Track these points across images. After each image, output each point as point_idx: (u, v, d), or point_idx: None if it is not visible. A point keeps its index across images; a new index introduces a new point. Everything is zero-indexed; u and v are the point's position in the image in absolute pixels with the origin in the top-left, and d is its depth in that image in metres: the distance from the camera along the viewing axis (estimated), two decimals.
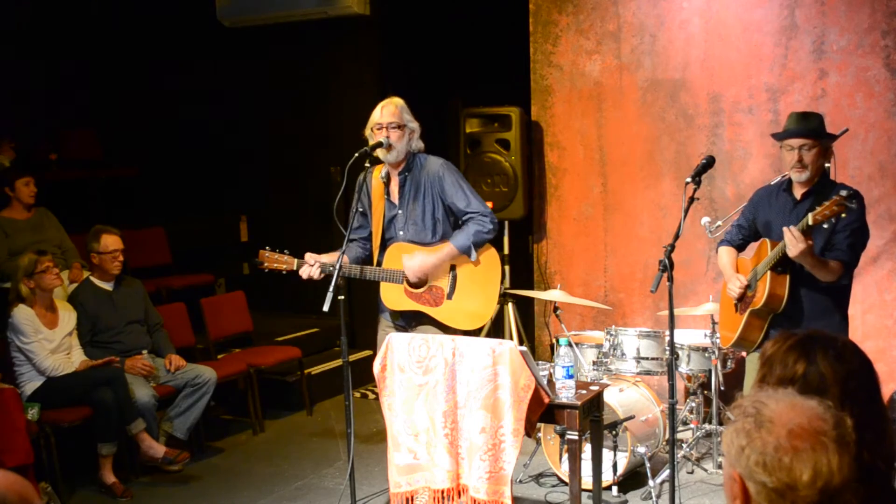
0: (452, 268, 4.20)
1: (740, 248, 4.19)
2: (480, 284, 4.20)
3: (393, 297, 4.27)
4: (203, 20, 7.47)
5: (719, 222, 4.94)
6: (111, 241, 5.33)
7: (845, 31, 5.29)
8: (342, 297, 4.06)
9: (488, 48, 6.75)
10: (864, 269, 5.36)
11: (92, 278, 5.39)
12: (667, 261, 3.60)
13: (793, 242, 3.57)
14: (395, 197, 4.31)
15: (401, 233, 4.28)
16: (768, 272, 3.82)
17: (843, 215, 3.45)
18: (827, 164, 3.96)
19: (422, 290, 4.22)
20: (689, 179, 3.78)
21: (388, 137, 4.16)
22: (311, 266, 4.20)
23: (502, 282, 4.16)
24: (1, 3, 6.93)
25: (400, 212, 4.29)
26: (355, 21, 7.07)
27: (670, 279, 3.63)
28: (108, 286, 5.38)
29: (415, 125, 4.26)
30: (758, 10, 5.53)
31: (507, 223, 6.41)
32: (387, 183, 4.32)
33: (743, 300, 4.03)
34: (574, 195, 6.24)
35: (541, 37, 6.24)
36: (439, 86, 6.95)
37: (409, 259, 4.17)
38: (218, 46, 7.72)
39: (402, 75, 7.11)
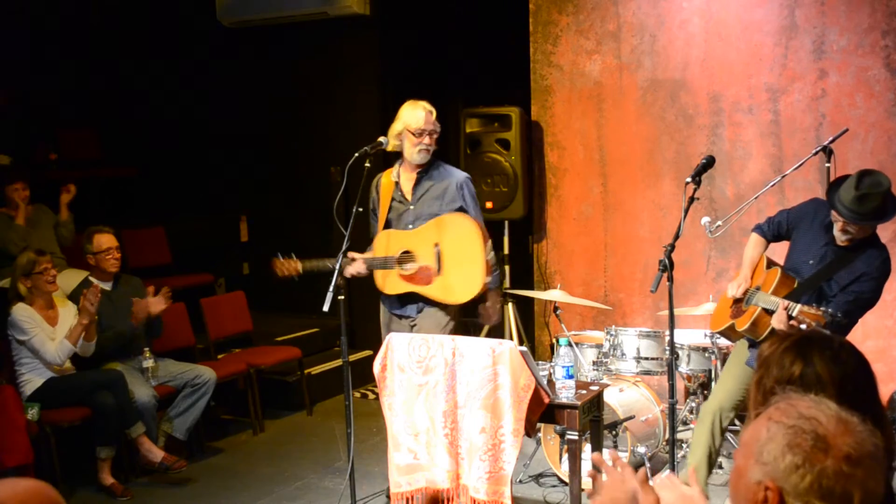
0: (436, 244, 4.28)
1: (770, 241, 4.20)
2: (465, 253, 4.29)
3: (388, 282, 4.41)
4: (203, 20, 7.47)
5: (719, 222, 4.92)
6: (104, 240, 5.33)
7: (845, 31, 5.29)
8: (342, 297, 4.07)
9: (488, 48, 6.75)
10: None
11: (91, 278, 5.39)
12: (667, 261, 3.60)
13: (779, 321, 3.67)
14: (408, 194, 4.43)
15: (410, 226, 4.41)
16: (759, 308, 3.86)
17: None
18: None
19: (412, 270, 4.33)
20: (689, 179, 3.78)
21: (430, 144, 4.36)
22: (356, 261, 4.36)
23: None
24: (1, 3, 6.93)
25: (412, 208, 4.41)
26: (355, 21, 7.07)
27: (670, 279, 3.63)
28: (106, 286, 5.37)
29: (439, 127, 4.45)
30: (758, 10, 5.53)
31: (506, 223, 6.40)
32: (397, 181, 4.47)
33: (735, 305, 4.06)
34: (574, 195, 6.24)
35: (541, 37, 6.24)
36: (439, 86, 6.94)
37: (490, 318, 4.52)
38: (218, 46, 7.72)
39: (402, 75, 7.11)
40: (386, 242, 4.40)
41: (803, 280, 3.87)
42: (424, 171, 4.43)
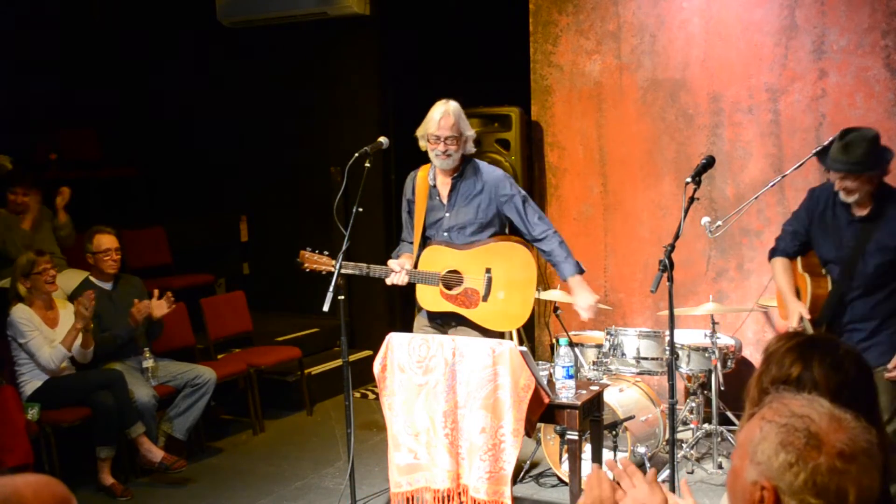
0: (488, 270, 4.11)
1: (796, 255, 4.05)
2: (516, 286, 4.10)
3: (429, 298, 4.23)
4: (203, 20, 7.47)
5: (719, 222, 4.93)
6: (105, 241, 5.33)
7: (845, 31, 5.29)
8: (342, 297, 4.06)
9: (488, 48, 6.75)
10: None
11: (91, 278, 5.39)
12: (667, 261, 3.60)
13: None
14: (444, 199, 4.25)
15: (445, 234, 4.23)
16: None
17: None
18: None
19: (457, 291, 4.16)
20: (689, 179, 3.78)
21: (445, 150, 4.11)
22: (398, 273, 4.14)
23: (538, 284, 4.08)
24: (1, 3, 6.93)
25: (447, 214, 4.23)
26: (355, 21, 7.07)
27: (670, 279, 3.63)
28: (106, 286, 5.38)
29: (471, 132, 4.21)
30: (758, 10, 5.53)
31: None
32: (433, 185, 4.28)
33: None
34: (574, 195, 6.24)
35: (541, 37, 6.24)
36: (439, 86, 6.94)
37: (585, 301, 4.10)
38: (218, 46, 7.72)
39: (402, 75, 7.11)
40: (433, 257, 4.20)
41: (839, 272, 3.79)
42: (460, 175, 4.23)
